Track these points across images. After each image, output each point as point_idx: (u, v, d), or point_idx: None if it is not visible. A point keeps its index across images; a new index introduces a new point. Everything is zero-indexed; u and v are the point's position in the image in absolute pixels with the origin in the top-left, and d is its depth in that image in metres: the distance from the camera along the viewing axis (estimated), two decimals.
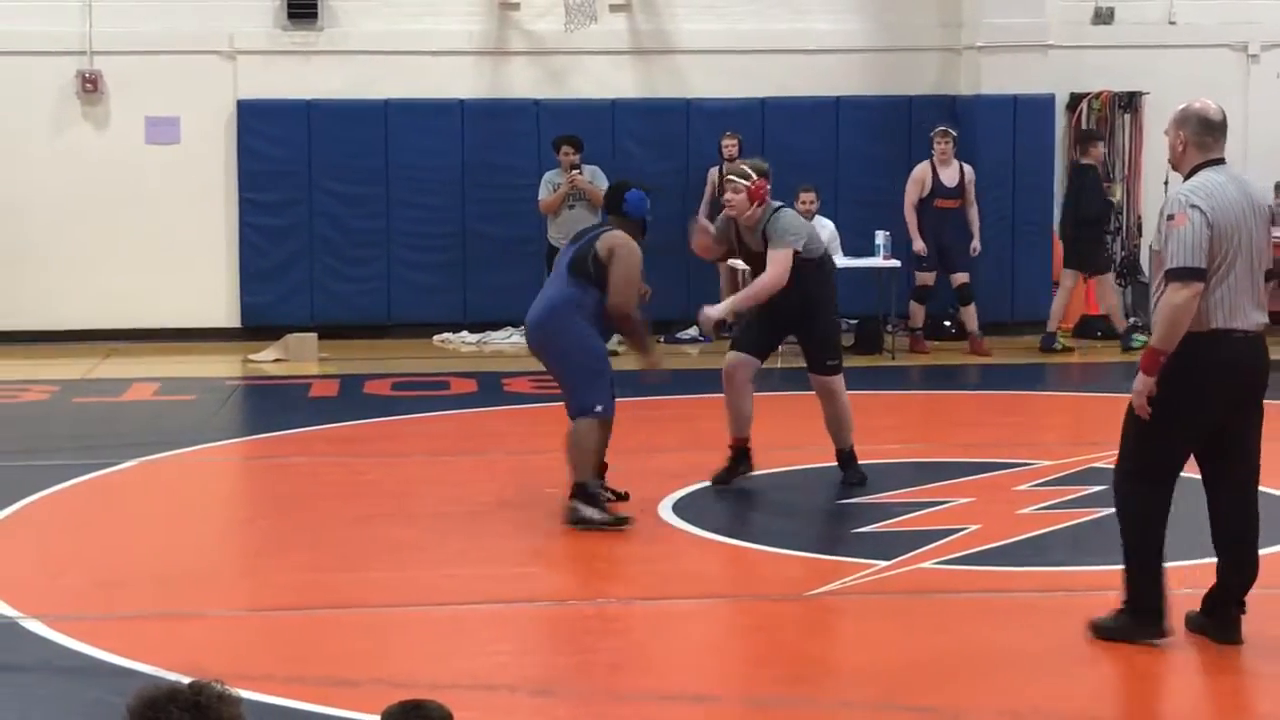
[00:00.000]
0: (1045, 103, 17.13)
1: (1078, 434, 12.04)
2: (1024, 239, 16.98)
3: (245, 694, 6.04)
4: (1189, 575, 7.40)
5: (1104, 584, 7.73)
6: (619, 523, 8.79)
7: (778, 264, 9.37)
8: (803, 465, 10.54)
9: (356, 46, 16.99)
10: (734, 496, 9.77)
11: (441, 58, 17.05)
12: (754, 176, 9.43)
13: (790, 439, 11.63)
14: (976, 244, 15.87)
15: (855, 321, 16.28)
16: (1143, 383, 6.57)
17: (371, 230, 16.89)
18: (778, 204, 9.59)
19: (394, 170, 16.86)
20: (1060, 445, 11.09)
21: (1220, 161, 6.70)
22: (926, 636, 7.04)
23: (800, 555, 8.28)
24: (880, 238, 15.59)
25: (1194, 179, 6.67)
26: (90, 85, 16.71)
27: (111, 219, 16.74)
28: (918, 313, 16.21)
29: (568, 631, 7.21)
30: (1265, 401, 6.76)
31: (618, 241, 8.83)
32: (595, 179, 15.75)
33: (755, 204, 9.44)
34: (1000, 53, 17.07)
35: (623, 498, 9.20)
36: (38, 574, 8.18)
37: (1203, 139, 6.68)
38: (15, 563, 8.37)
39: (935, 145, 15.85)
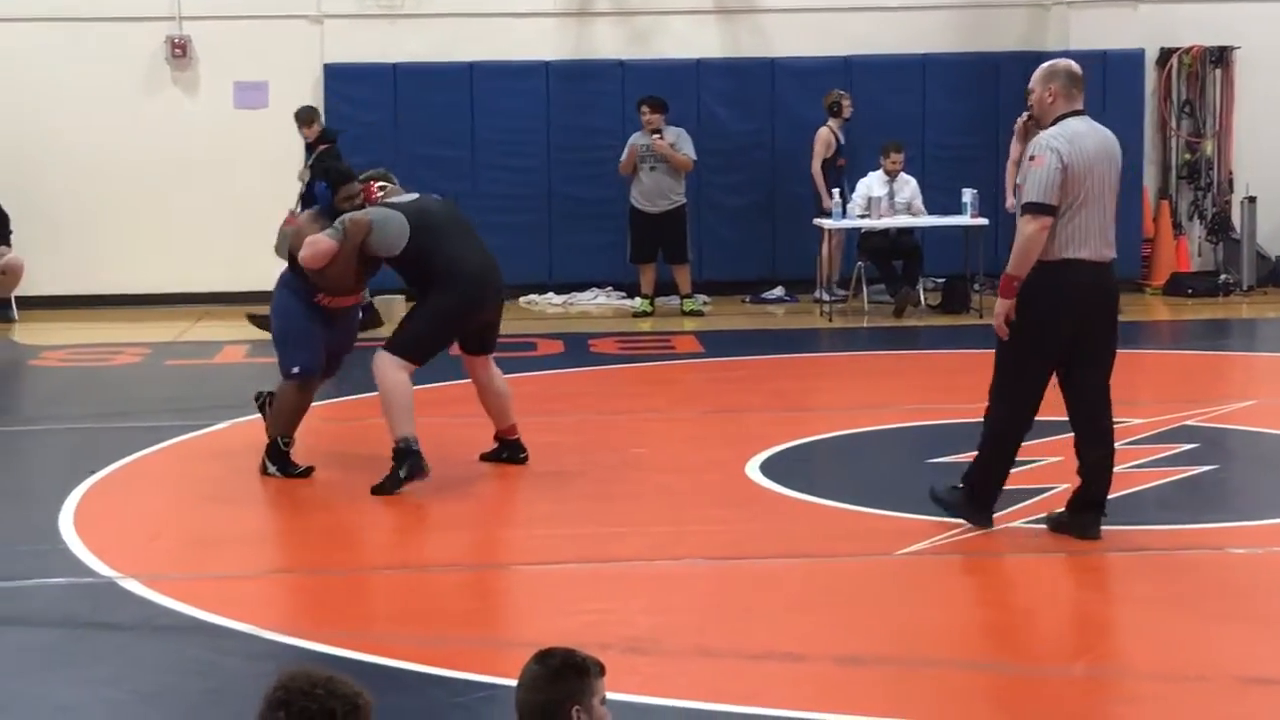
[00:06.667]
0: (1135, 58, 16.93)
1: (1169, 391, 11.92)
2: None
3: (339, 651, 6.15)
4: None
5: (1194, 542, 7.71)
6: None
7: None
8: (889, 425, 10.52)
9: (441, 9, 17.02)
10: (821, 457, 9.77)
11: (526, 20, 17.06)
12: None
13: (874, 399, 11.62)
14: None
15: (942, 279, 16.20)
16: (1001, 305, 7.43)
17: (457, 193, 16.80)
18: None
19: (479, 133, 16.89)
20: (1151, 403, 10.98)
21: (1082, 112, 7.47)
22: (1013, 595, 7.03)
23: (888, 515, 8.26)
24: (968, 195, 15.49)
25: (1059, 125, 7.41)
26: (179, 51, 16.85)
27: (201, 184, 16.88)
28: None
29: (657, 590, 7.25)
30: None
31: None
32: (679, 142, 15.72)
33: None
34: (1089, 7, 16.89)
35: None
36: (134, 534, 8.30)
37: (1069, 90, 7.46)
38: (113, 523, 8.50)
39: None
